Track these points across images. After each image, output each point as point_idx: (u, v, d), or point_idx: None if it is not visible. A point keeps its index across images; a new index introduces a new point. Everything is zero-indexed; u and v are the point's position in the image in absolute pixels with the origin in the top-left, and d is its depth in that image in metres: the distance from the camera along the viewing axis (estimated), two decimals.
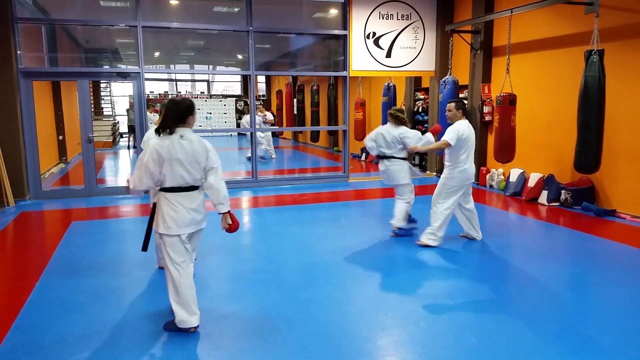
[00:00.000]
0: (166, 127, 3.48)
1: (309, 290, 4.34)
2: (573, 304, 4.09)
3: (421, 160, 11.22)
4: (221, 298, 4.22)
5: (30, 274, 4.78)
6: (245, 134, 17.56)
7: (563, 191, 7.43)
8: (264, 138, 13.79)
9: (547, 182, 7.77)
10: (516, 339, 3.41)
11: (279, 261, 5.12)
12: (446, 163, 5.52)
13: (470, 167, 5.45)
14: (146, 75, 8.84)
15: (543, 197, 7.71)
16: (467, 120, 5.47)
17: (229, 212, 3.61)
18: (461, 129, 5.32)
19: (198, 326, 3.58)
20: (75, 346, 3.35)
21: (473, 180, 5.60)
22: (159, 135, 3.47)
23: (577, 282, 4.66)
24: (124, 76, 9.04)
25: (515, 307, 3.97)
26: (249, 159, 13.34)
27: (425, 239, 5.50)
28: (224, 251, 5.44)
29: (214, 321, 3.74)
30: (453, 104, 5.46)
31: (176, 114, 3.50)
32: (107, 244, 5.79)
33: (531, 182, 7.98)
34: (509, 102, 7.61)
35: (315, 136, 15.33)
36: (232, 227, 3.64)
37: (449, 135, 5.31)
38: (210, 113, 20.55)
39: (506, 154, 7.71)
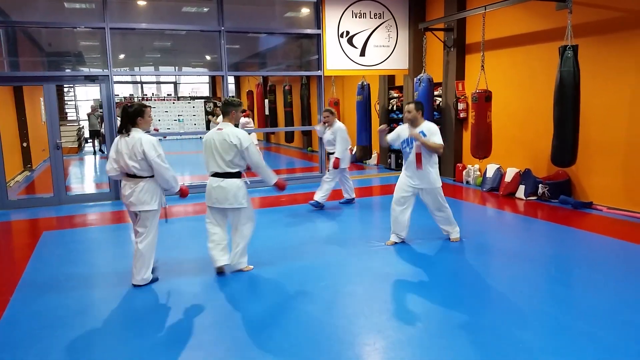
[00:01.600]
0: (120, 128, 4.39)
1: (301, 294, 4.24)
2: (564, 298, 4.10)
3: (397, 158, 11.23)
4: (212, 303, 4.08)
5: (3, 288, 4.53)
6: None
7: (540, 185, 7.54)
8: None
9: (524, 176, 7.87)
10: (513, 336, 3.39)
11: (267, 264, 4.99)
12: (426, 169, 5.27)
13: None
14: (115, 78, 8.57)
15: (520, 192, 7.80)
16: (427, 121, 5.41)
17: (183, 188, 4.57)
18: (437, 128, 5.30)
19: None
20: None
21: None
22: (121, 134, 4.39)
23: (564, 275, 4.70)
24: (92, 79, 8.74)
25: (508, 304, 3.96)
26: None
27: (456, 235, 5.62)
28: (206, 258, 5.28)
29: (204, 329, 3.61)
30: (412, 105, 5.32)
31: (125, 117, 4.35)
32: (83, 254, 5.57)
33: (508, 177, 8.06)
34: (484, 98, 7.68)
35: (290, 137, 15.22)
36: (183, 194, 4.60)
37: (438, 137, 5.20)
38: (181, 115, 20.18)
39: (483, 150, 7.77)
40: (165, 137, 17.99)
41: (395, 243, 5.52)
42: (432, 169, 5.33)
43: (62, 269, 5.02)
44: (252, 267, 4.86)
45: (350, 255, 5.24)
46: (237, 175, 4.62)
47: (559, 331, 3.46)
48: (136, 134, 4.31)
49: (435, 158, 5.35)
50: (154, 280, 4.59)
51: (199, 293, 4.37)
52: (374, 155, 12.42)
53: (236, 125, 4.75)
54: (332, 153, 7.52)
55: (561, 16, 7.07)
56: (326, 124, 7.57)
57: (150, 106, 4.57)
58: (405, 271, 4.81)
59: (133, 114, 4.34)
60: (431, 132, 5.23)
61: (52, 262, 5.28)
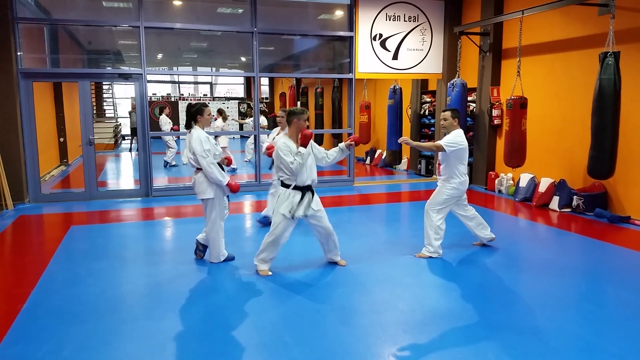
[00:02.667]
0: (186, 125, 4.99)
1: (317, 301, 4.15)
2: (595, 318, 3.88)
3: (427, 164, 11.03)
4: (224, 309, 4.03)
5: (26, 281, 4.60)
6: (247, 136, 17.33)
7: (575, 197, 7.24)
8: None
9: (559, 187, 7.57)
10: (538, 355, 3.22)
11: (284, 269, 4.92)
12: (442, 176, 5.27)
13: (467, 177, 5.29)
14: (148, 77, 8.68)
15: (554, 203, 7.51)
16: (461, 130, 5.26)
17: (227, 184, 4.85)
18: (460, 139, 5.13)
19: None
20: None
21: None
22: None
23: (596, 294, 4.45)
24: (125, 77, 8.89)
25: (533, 321, 3.77)
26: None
27: (425, 251, 5.29)
28: (228, 258, 5.26)
29: (217, 335, 3.56)
30: (449, 113, 5.24)
31: (188, 115, 4.93)
32: (107, 250, 5.61)
33: (542, 188, 7.78)
34: (519, 105, 7.44)
35: (319, 139, 15.16)
36: (233, 190, 4.87)
37: (448, 142, 5.09)
38: (213, 115, 20.35)
39: (517, 158, 7.53)
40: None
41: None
42: (448, 177, 5.20)
43: (84, 264, 5.07)
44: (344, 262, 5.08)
45: (370, 263, 5.12)
46: (282, 184, 4.67)
47: (586, 352, 3.26)
48: (194, 130, 4.84)
49: (459, 169, 5.17)
50: (229, 259, 5.15)
51: (208, 294, 4.33)
52: (404, 160, 12.22)
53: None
54: None
55: (602, 22, 6.78)
56: (280, 126, 6.58)
57: (208, 105, 5.02)
58: (429, 281, 4.66)
59: (194, 113, 4.88)
60: (447, 137, 5.17)
61: (75, 257, 5.35)
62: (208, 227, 5.00)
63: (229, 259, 5.14)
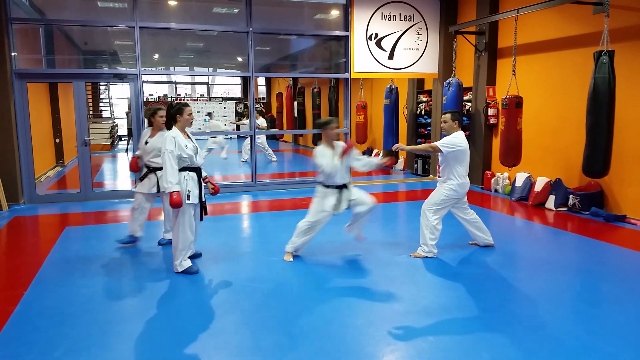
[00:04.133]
0: (167, 125, 4.79)
1: (312, 301, 4.14)
2: (589, 317, 3.87)
3: (424, 164, 11.02)
4: (218, 309, 4.01)
5: (19, 282, 4.57)
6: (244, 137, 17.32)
7: (571, 196, 7.24)
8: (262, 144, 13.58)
9: (555, 186, 7.57)
10: (532, 354, 3.21)
11: (280, 269, 4.91)
12: (441, 177, 5.28)
13: (467, 179, 5.27)
14: (144, 77, 8.66)
15: (550, 202, 7.51)
16: (462, 132, 5.26)
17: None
18: (459, 141, 5.12)
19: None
20: None
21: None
22: None
23: (591, 292, 4.44)
24: (121, 78, 8.85)
25: (527, 321, 3.76)
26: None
27: (420, 251, 5.28)
28: (222, 258, 5.25)
29: (210, 335, 3.54)
30: (449, 115, 5.26)
31: (169, 115, 4.77)
32: (102, 251, 5.58)
33: (538, 187, 7.78)
34: (515, 104, 7.44)
35: (317, 139, 15.16)
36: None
37: (445, 143, 5.10)
38: (208, 116, 20.31)
39: (513, 157, 7.52)
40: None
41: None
42: (447, 179, 5.21)
43: (78, 266, 5.04)
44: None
45: (366, 263, 5.11)
46: (321, 184, 5.17)
47: (580, 352, 3.25)
48: (171, 131, 4.67)
49: (458, 171, 5.16)
50: (190, 271, 4.77)
51: (202, 293, 4.32)
52: (401, 160, 12.22)
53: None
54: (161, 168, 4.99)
55: (597, 20, 6.78)
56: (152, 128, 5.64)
57: (189, 105, 4.85)
58: (424, 281, 4.65)
59: (174, 113, 4.72)
60: (445, 138, 5.21)
61: (70, 259, 5.32)
62: (174, 231, 4.77)
63: (190, 271, 4.79)
